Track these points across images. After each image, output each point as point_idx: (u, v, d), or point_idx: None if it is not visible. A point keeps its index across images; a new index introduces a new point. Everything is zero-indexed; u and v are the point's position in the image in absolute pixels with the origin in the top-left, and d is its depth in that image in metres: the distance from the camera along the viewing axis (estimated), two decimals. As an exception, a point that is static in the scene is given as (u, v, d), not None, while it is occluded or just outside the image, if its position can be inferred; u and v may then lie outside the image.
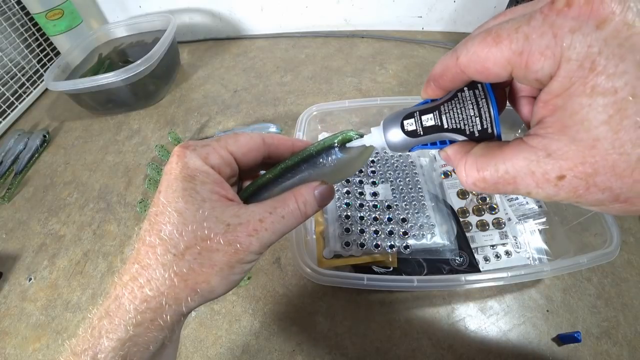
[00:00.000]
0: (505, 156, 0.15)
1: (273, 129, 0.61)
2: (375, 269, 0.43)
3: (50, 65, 0.75)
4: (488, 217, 0.47)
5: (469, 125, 0.18)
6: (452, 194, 0.50)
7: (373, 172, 0.51)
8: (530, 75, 0.14)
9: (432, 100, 0.19)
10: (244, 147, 0.22)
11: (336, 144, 0.22)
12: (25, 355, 0.42)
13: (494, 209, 0.47)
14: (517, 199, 0.48)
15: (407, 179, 0.50)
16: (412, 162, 0.52)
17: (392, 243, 0.43)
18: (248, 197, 0.23)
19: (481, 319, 0.41)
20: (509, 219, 0.47)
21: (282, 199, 0.21)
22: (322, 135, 0.56)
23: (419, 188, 0.49)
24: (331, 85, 0.74)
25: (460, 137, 0.18)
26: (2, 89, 0.73)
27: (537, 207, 0.48)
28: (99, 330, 0.18)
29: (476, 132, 0.17)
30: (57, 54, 0.85)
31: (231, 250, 0.19)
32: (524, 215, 0.48)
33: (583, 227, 0.42)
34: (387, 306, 0.43)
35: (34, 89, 0.80)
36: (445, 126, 0.18)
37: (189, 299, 0.19)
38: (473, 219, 0.47)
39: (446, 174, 0.53)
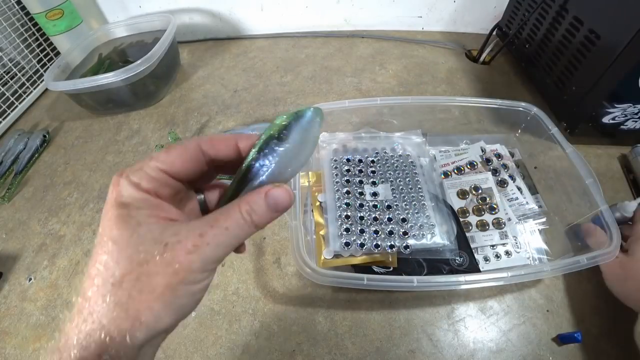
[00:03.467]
0: None
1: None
2: (375, 269, 0.43)
3: (50, 65, 0.75)
4: (488, 217, 0.47)
5: None
6: (452, 194, 0.50)
7: (373, 172, 0.51)
8: None
9: None
10: (177, 161, 0.20)
11: (275, 135, 0.20)
12: (25, 355, 0.42)
13: (494, 209, 0.47)
14: (517, 198, 0.48)
15: (407, 179, 0.50)
16: (412, 162, 0.52)
17: (392, 243, 0.43)
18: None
19: (481, 319, 0.41)
20: (509, 219, 0.47)
21: (226, 210, 0.19)
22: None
23: (419, 188, 0.49)
24: (331, 85, 0.74)
25: None
26: (2, 89, 0.72)
27: (537, 207, 0.48)
28: None
29: None
30: (57, 54, 0.85)
31: (170, 272, 0.17)
32: (524, 215, 0.48)
33: (583, 227, 0.42)
34: (387, 306, 0.43)
35: (34, 89, 0.80)
36: None
37: (134, 330, 0.17)
38: (473, 219, 0.47)
39: (446, 174, 0.53)
